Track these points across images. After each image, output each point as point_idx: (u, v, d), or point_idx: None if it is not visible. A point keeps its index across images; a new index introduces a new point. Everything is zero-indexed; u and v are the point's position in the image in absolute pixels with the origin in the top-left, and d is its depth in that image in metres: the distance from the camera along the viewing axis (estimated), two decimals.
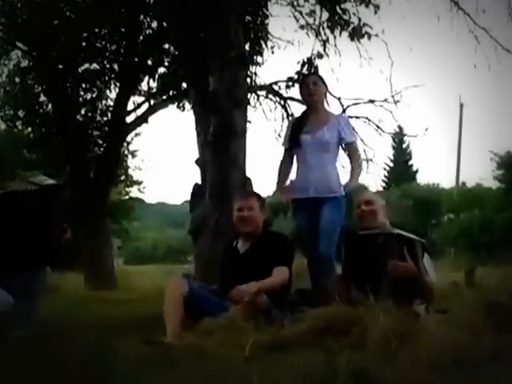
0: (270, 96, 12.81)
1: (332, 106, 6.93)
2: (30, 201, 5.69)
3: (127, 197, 29.42)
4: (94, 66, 13.40)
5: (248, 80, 10.40)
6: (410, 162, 53.13)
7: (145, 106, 14.44)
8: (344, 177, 6.53)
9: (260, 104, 12.87)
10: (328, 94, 6.88)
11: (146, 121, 14.64)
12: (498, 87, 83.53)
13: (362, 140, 12.10)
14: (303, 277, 6.35)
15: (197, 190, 8.66)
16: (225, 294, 5.21)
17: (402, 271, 5.21)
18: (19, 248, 5.43)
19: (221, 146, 8.13)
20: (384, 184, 46.94)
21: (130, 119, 14.34)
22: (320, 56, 11.74)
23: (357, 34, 11.50)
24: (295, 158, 6.60)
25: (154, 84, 13.75)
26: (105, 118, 14.19)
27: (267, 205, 6.04)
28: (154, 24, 12.66)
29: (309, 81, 6.66)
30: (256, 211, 5.70)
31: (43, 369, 3.88)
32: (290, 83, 11.94)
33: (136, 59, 13.10)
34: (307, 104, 6.71)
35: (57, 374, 3.75)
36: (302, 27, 12.47)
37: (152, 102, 14.35)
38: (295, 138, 6.48)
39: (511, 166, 29.62)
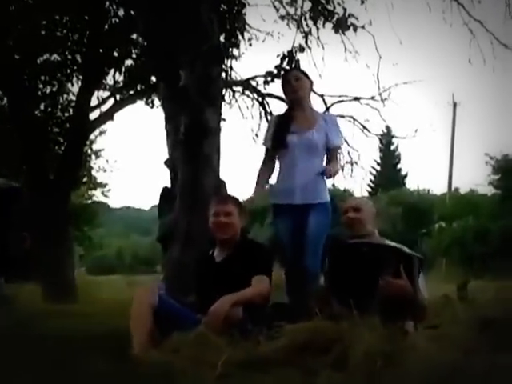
0: (247, 92, 12.82)
1: (314, 104, 6.92)
2: None
3: (90, 201, 29.33)
4: (55, 56, 13.34)
5: (223, 74, 10.39)
6: (399, 166, 53.43)
7: (110, 102, 14.40)
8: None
9: (236, 101, 12.90)
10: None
11: (111, 118, 14.59)
12: (495, 85, 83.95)
13: (346, 141, 12.15)
14: (281, 289, 6.34)
15: (166, 194, 8.65)
16: (201, 305, 5.21)
17: (396, 289, 5.08)
18: None
19: (192, 145, 8.11)
20: (370, 189, 47.18)
21: (93, 116, 14.29)
22: (301, 49, 11.73)
23: (342, 25, 11.52)
24: (278, 159, 6.57)
25: (120, 77, 13.72)
26: (66, 114, 14.12)
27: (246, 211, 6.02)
28: (121, 12, 12.63)
29: (290, 77, 6.63)
30: (234, 217, 5.68)
31: None
32: (269, 78, 11.92)
33: (101, 50, 13.05)
34: (291, 102, 6.68)
35: None
36: (282, 18, 12.51)
37: (118, 97, 14.29)
38: (281, 138, 6.43)
39: (508, 171, 29.76)
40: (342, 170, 6.68)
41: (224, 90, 11.19)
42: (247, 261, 5.46)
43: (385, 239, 5.67)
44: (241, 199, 6.08)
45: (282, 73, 8.06)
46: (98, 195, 29.50)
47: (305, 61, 11.82)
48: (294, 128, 6.40)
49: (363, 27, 11.67)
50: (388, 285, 5.08)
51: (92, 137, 19.27)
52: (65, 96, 14.03)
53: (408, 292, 5.10)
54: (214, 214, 5.69)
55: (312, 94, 6.94)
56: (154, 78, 12.16)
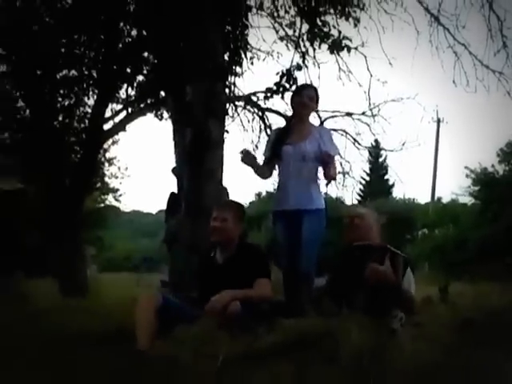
0: (248, 107, 12.80)
1: (310, 118, 6.89)
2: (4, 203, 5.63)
3: (103, 204, 29.31)
4: (73, 72, 13.31)
5: (226, 90, 10.37)
6: (386, 176, 53.24)
7: (123, 114, 14.33)
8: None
9: (238, 114, 12.87)
10: None
11: (123, 128, 14.55)
12: (476, 103, 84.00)
13: (339, 153, 12.14)
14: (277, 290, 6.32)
15: (173, 199, 8.63)
16: (203, 304, 5.18)
17: (380, 274, 5.05)
18: None
19: (197, 156, 8.08)
20: (360, 198, 47.09)
21: (107, 126, 14.24)
22: (299, 68, 11.71)
23: (336, 46, 11.53)
24: (277, 169, 6.55)
25: (132, 92, 13.68)
26: (82, 125, 14.07)
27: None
28: (134, 32, 12.62)
29: (305, 94, 6.54)
30: (229, 223, 5.63)
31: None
32: (269, 94, 11.91)
33: (115, 67, 13.03)
34: (295, 115, 6.65)
35: None
36: (281, 39, 12.50)
37: (130, 109, 14.25)
38: (277, 148, 6.43)
39: (487, 183, 29.73)
40: (335, 179, 6.58)
41: (227, 105, 11.19)
42: (248, 263, 5.43)
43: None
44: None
45: (300, 85, 7.97)
46: (110, 200, 29.51)
47: (302, 78, 11.83)
48: (290, 140, 6.37)
49: (356, 48, 11.70)
50: (373, 270, 5.09)
51: (105, 146, 19.26)
52: (81, 108, 13.96)
53: (390, 277, 5.08)
54: (212, 219, 5.69)
55: None
56: (163, 93, 12.15)
